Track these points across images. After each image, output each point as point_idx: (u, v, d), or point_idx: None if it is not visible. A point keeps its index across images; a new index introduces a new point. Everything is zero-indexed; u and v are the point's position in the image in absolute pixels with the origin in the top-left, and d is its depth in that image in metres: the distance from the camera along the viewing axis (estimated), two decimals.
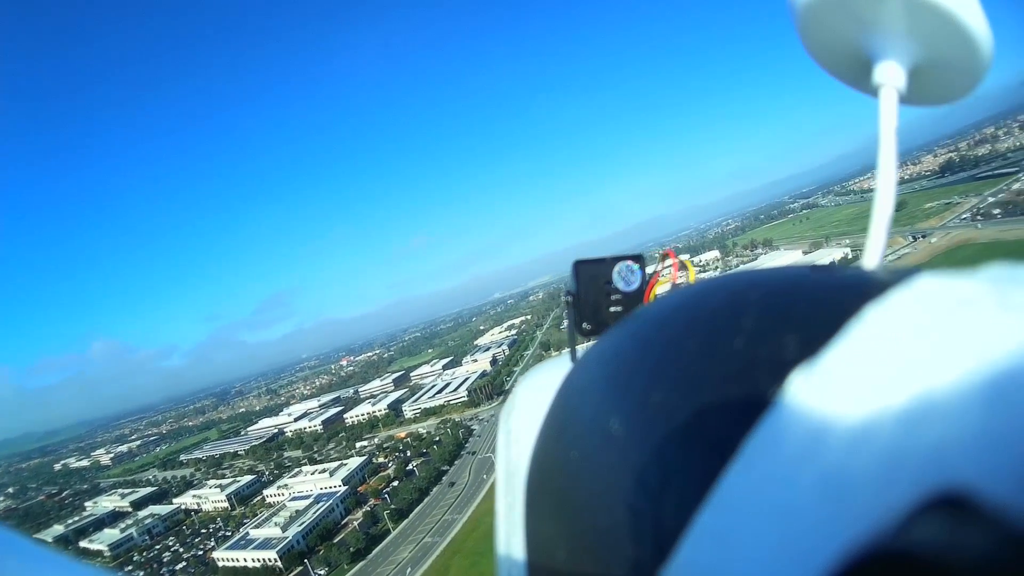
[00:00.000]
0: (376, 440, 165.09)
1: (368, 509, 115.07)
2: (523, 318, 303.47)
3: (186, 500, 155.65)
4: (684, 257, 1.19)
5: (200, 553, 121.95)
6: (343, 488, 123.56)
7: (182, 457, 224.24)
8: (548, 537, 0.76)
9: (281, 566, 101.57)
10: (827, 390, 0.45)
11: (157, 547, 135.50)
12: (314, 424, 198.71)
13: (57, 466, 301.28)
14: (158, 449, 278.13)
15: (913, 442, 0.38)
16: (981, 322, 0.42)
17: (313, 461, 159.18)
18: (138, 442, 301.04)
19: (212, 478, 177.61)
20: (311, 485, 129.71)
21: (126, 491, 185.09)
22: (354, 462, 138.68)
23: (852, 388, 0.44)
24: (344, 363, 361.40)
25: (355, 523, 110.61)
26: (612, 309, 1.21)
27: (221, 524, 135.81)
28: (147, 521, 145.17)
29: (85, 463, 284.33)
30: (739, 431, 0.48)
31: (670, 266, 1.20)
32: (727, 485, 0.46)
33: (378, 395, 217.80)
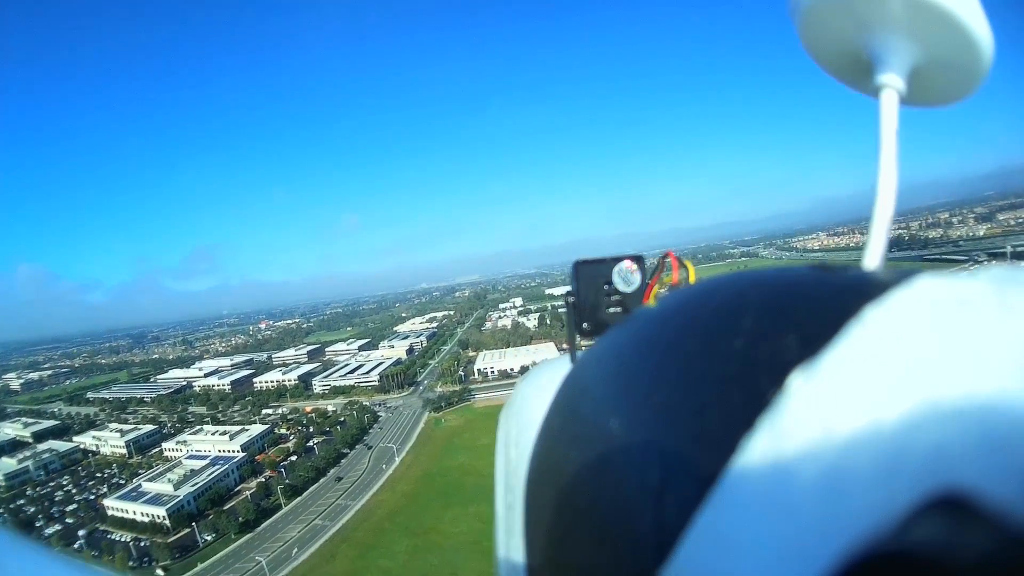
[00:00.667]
0: (282, 410, 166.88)
1: (263, 480, 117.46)
2: (446, 312, 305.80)
3: (86, 440, 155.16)
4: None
5: (92, 498, 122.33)
6: (241, 454, 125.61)
7: (89, 395, 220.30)
8: (548, 537, 0.76)
9: (169, 524, 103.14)
10: (827, 391, 0.45)
11: (51, 484, 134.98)
12: (223, 383, 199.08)
13: None
14: (68, 382, 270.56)
15: (913, 443, 0.38)
16: (981, 323, 0.43)
17: (216, 421, 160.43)
18: (50, 372, 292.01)
19: (115, 421, 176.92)
20: (210, 445, 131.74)
21: (30, 420, 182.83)
22: (256, 429, 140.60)
23: (852, 389, 0.44)
24: (263, 326, 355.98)
25: (248, 492, 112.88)
26: (612, 309, 1.21)
27: (116, 471, 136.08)
28: (45, 456, 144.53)
29: None
30: (739, 431, 0.48)
31: (670, 266, 1.19)
32: (727, 485, 0.47)
33: (291, 364, 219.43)
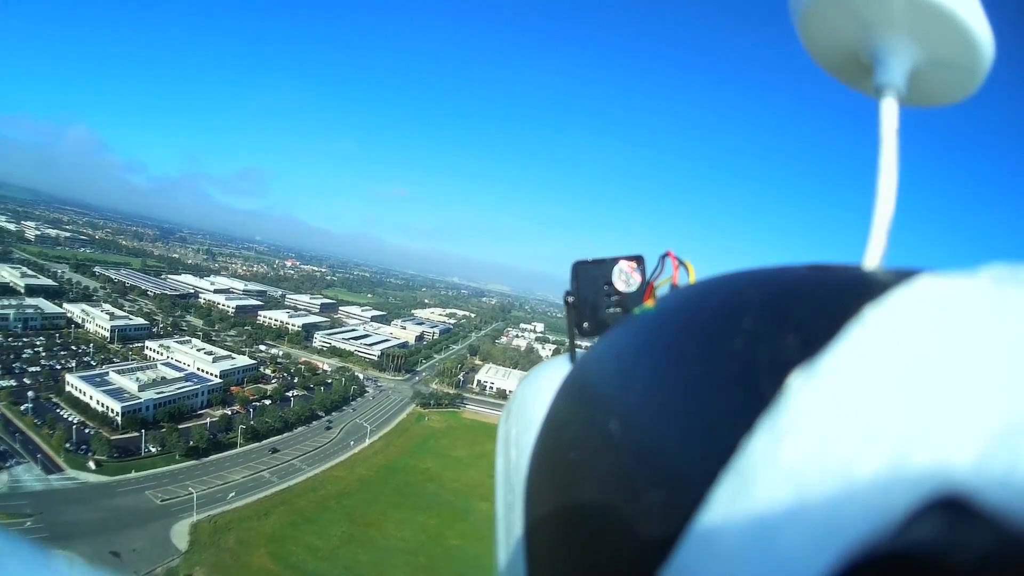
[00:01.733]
0: (275, 351, 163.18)
1: (229, 413, 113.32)
2: (467, 313, 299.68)
3: (75, 310, 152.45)
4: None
5: (58, 368, 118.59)
6: (218, 380, 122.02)
7: (97, 269, 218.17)
8: (547, 537, 0.77)
9: (120, 422, 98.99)
10: (827, 391, 0.45)
11: (24, 339, 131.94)
12: (229, 304, 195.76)
13: None
14: (82, 250, 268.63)
15: (913, 444, 0.38)
16: (982, 322, 0.43)
17: (208, 339, 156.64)
18: (68, 234, 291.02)
19: (110, 303, 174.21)
20: (191, 359, 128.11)
21: (29, 272, 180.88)
22: (241, 360, 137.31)
23: (852, 389, 0.44)
24: (289, 264, 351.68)
25: (210, 420, 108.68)
26: (612, 310, 1.21)
27: (91, 351, 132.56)
28: (29, 311, 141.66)
29: (11, 227, 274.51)
30: (738, 432, 0.48)
31: (670, 267, 1.18)
32: (726, 486, 0.47)
33: (300, 310, 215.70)
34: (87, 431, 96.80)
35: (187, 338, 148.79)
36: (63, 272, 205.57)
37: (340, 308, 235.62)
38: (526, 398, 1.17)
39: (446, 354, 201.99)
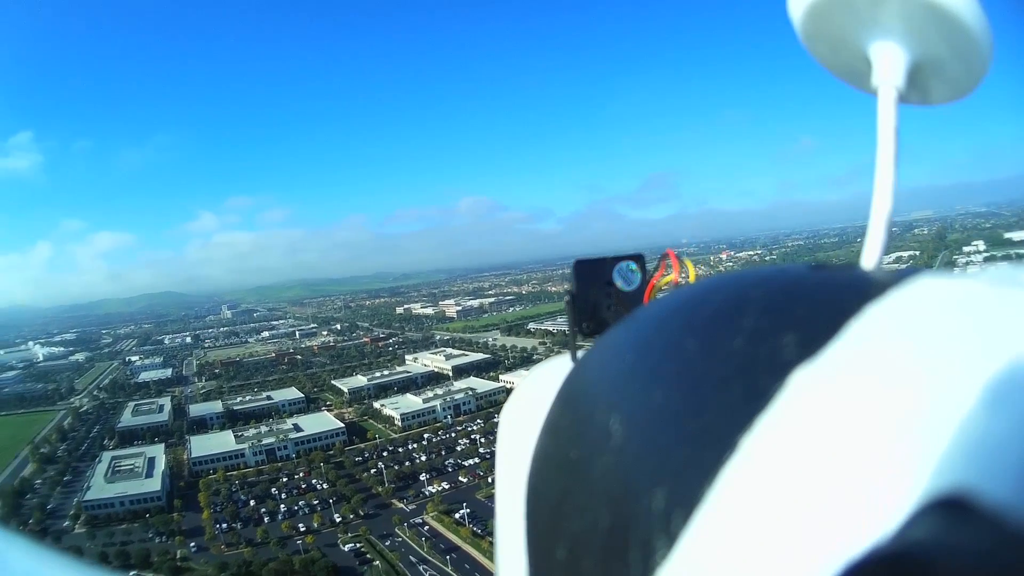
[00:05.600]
0: None
1: None
2: (912, 252, 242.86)
3: (514, 380, 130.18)
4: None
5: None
6: None
7: (531, 325, 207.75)
8: (548, 537, 0.77)
9: None
10: (827, 390, 0.46)
11: (457, 429, 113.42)
12: None
13: (399, 310, 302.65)
14: (511, 310, 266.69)
15: (914, 444, 0.39)
16: (981, 322, 0.44)
17: None
18: (492, 299, 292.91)
19: (555, 355, 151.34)
20: None
21: (455, 353, 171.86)
22: None
23: (852, 388, 0.45)
24: (723, 256, 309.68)
25: None
26: (612, 309, 1.22)
27: None
28: (458, 396, 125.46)
29: (429, 311, 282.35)
30: (739, 431, 0.49)
31: (670, 266, 1.19)
32: (726, 485, 0.47)
33: None
34: None
35: None
36: (494, 339, 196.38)
37: None
38: (527, 397, 1.17)
39: None
